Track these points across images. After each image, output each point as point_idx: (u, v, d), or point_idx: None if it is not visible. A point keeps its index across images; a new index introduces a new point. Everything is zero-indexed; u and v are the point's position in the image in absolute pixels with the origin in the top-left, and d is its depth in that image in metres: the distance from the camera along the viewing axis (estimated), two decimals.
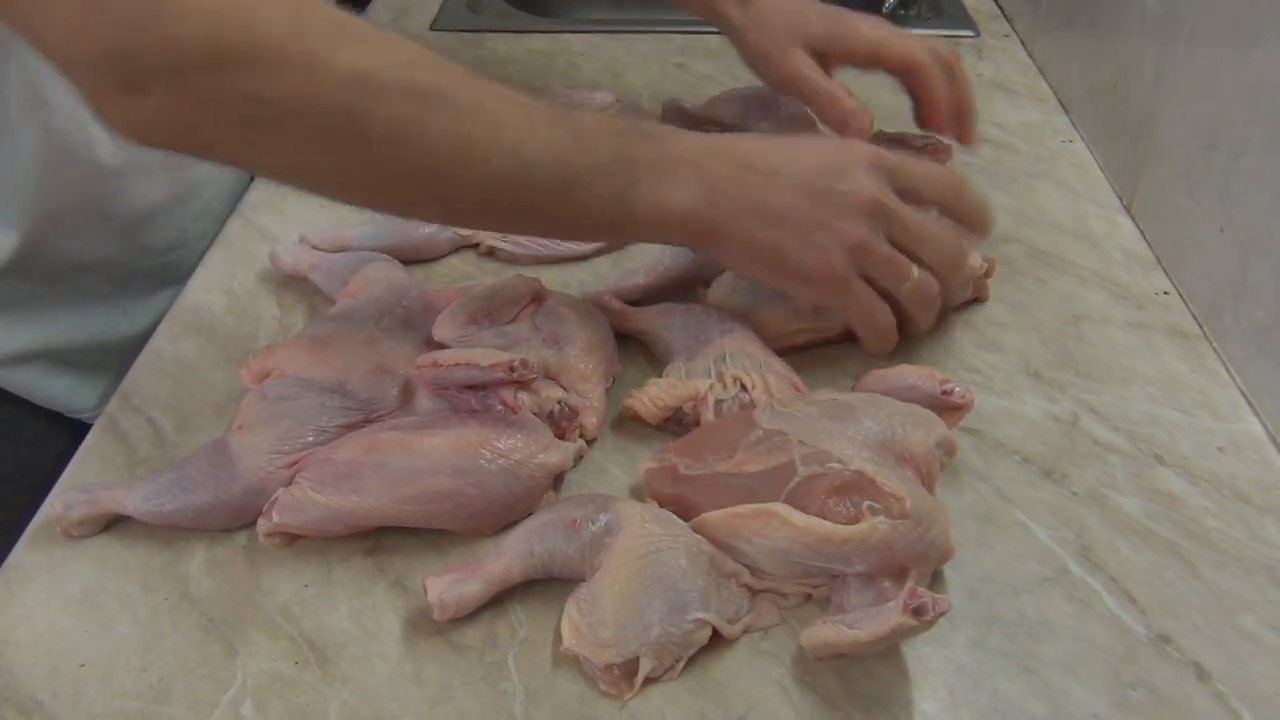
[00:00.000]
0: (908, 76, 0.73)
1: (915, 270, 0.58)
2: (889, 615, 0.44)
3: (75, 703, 0.46)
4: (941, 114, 0.72)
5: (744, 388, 0.57)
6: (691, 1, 0.77)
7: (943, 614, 0.43)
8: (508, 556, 0.49)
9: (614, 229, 0.59)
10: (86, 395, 0.76)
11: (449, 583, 0.48)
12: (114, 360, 0.71)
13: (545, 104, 0.53)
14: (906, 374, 0.57)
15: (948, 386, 0.55)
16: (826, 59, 0.73)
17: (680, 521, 0.51)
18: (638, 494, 0.55)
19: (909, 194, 0.58)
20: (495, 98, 0.52)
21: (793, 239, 0.56)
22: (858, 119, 0.71)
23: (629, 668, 0.46)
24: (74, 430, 0.74)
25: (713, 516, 0.50)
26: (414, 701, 0.46)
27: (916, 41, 0.71)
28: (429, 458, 0.52)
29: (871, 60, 0.72)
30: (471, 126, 0.50)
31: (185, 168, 0.79)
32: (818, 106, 0.73)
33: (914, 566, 0.47)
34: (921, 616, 0.43)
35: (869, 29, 0.72)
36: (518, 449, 0.53)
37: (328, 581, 0.52)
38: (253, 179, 0.83)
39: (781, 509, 0.48)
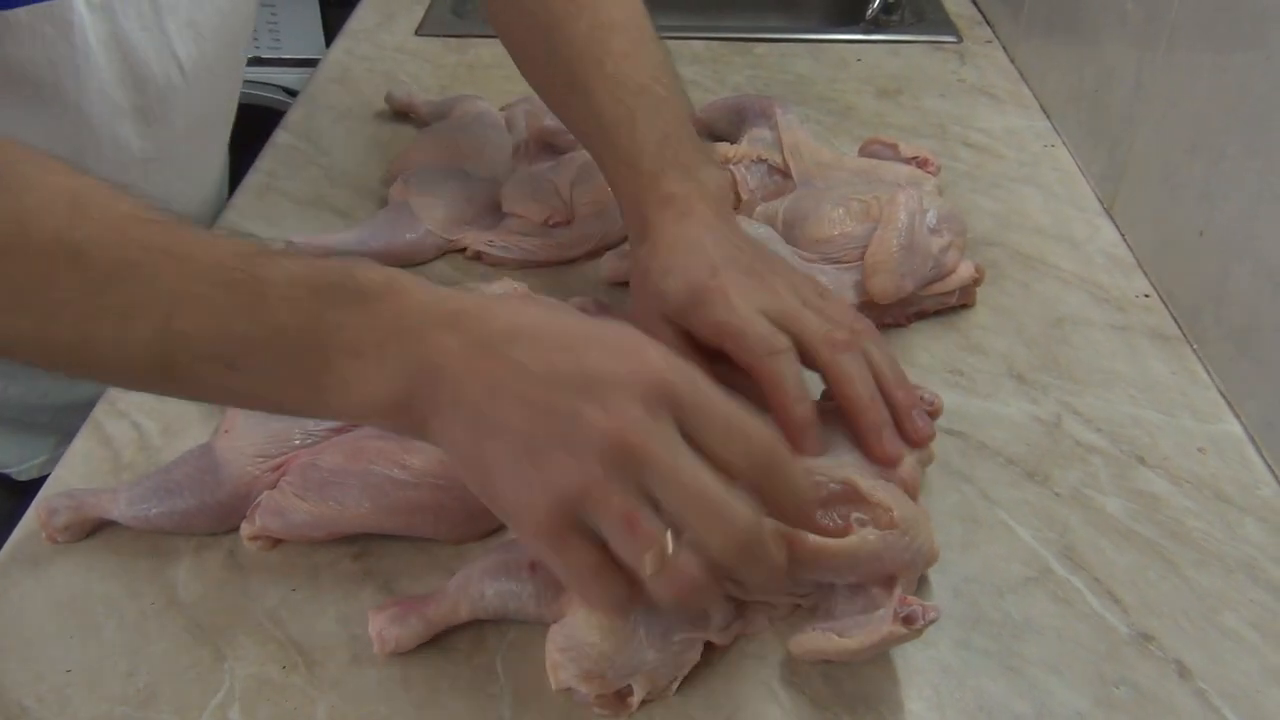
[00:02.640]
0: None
1: (669, 542, 0.39)
2: (879, 624, 0.44)
3: (61, 709, 0.46)
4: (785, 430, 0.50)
5: None
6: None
7: (932, 622, 0.44)
8: (455, 597, 0.48)
9: (306, 411, 0.47)
10: (32, 454, 0.74)
11: (389, 618, 0.48)
12: (63, 421, 0.67)
13: (236, 257, 0.42)
14: None
15: (918, 392, 0.56)
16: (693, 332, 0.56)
17: None
18: None
19: (699, 446, 0.40)
20: (158, 252, 0.42)
21: (504, 462, 0.41)
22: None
23: (623, 693, 0.46)
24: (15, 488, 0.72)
25: None
26: (402, 705, 0.46)
27: (761, 338, 0.51)
28: (411, 469, 0.52)
29: (717, 343, 0.53)
30: (105, 288, 0.41)
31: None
32: None
33: (902, 574, 0.47)
34: (912, 625, 0.43)
35: (718, 313, 0.52)
36: None
37: (315, 585, 0.52)
38: (230, 194, 0.82)
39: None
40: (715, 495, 0.39)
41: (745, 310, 0.52)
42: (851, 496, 0.48)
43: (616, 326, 0.43)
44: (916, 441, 0.52)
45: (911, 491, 0.50)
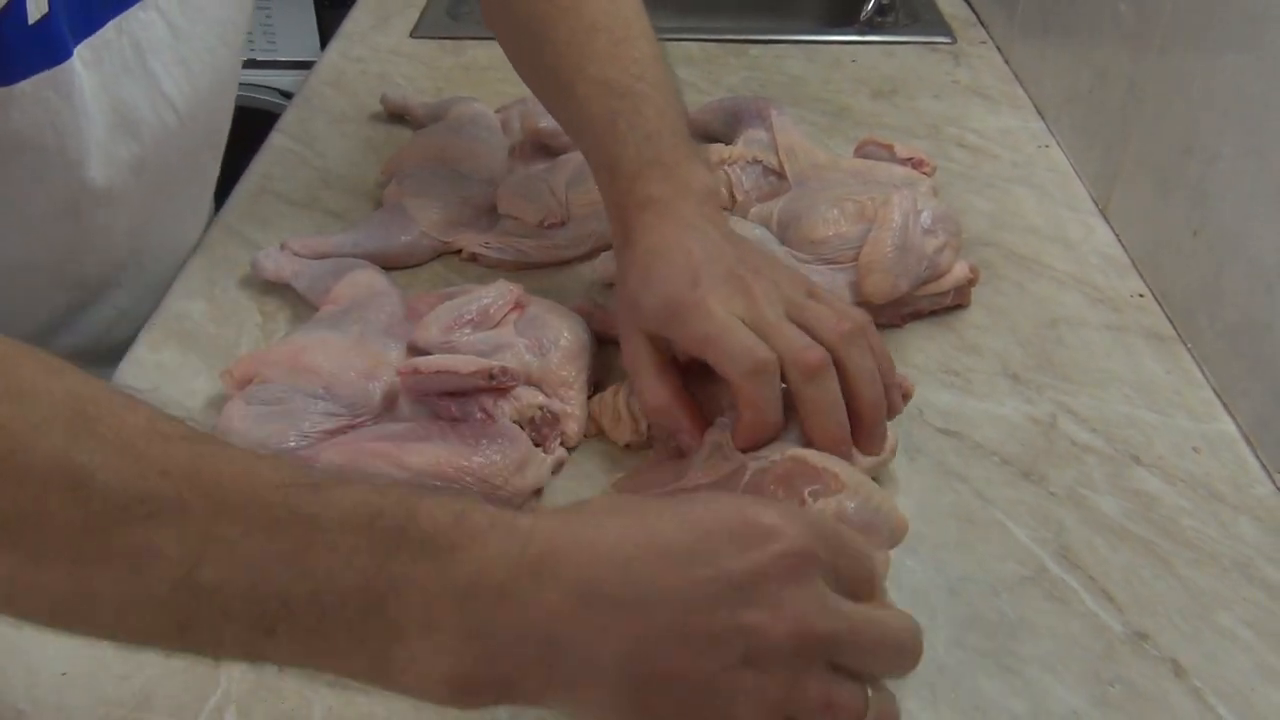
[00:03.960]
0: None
1: (868, 699, 0.37)
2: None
3: (57, 711, 0.46)
4: (815, 432, 0.50)
5: None
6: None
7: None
8: None
9: (371, 685, 0.36)
10: None
11: None
12: None
13: (277, 490, 0.35)
14: None
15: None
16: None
17: None
18: None
19: (848, 594, 0.38)
20: (179, 479, 0.34)
21: (686, 713, 0.35)
22: (677, 439, 0.54)
23: None
24: None
25: None
26: (399, 705, 0.46)
27: (744, 353, 0.50)
28: (411, 470, 0.52)
29: (699, 356, 0.52)
30: (113, 528, 0.34)
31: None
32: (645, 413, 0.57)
33: (870, 539, 0.47)
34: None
35: (695, 326, 0.51)
36: (496, 472, 0.53)
37: None
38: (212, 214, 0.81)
39: None
40: (893, 630, 0.38)
41: (725, 323, 0.50)
42: (801, 470, 0.48)
43: (713, 501, 0.39)
44: (868, 451, 0.52)
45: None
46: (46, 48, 0.55)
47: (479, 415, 0.55)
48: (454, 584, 0.34)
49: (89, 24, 0.57)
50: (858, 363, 0.51)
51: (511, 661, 0.35)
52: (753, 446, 0.50)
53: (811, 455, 0.48)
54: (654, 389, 0.54)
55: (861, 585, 0.39)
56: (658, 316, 0.53)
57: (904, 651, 0.39)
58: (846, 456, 0.50)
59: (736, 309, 0.51)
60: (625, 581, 0.35)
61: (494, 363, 0.56)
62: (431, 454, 0.53)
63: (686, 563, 0.35)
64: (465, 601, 0.34)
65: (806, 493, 0.47)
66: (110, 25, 0.58)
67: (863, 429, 0.51)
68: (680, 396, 0.54)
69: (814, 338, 0.50)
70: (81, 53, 0.57)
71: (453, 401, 0.56)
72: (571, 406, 0.59)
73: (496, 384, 0.55)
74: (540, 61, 0.63)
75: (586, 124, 0.60)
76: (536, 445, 0.56)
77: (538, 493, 0.56)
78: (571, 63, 0.61)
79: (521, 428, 0.56)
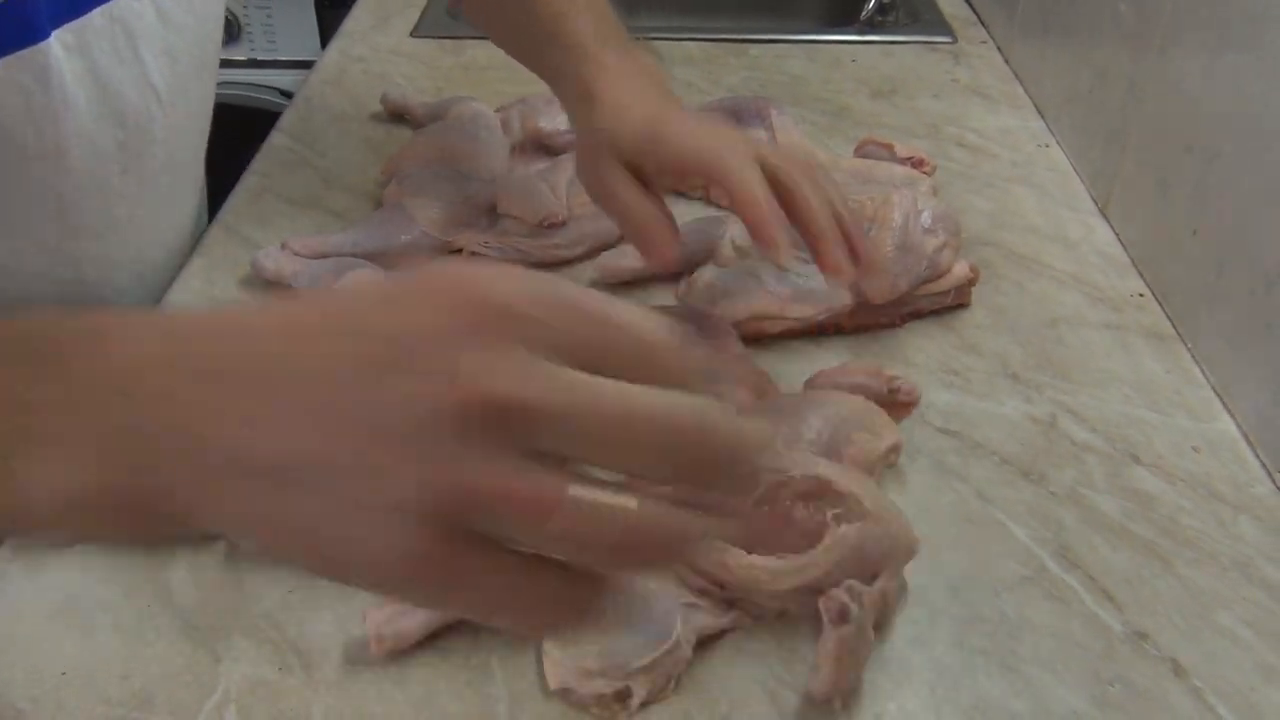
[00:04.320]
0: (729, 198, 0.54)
1: (582, 495, 0.27)
2: (827, 635, 0.44)
3: (57, 710, 0.46)
4: (812, 238, 0.54)
5: None
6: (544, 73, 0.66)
7: (862, 603, 0.44)
8: None
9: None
10: None
11: (388, 616, 0.47)
12: None
13: None
14: (855, 373, 0.58)
15: (894, 384, 0.57)
16: (646, 173, 0.57)
17: None
18: None
19: (583, 363, 0.28)
20: None
21: (326, 512, 0.28)
22: (661, 251, 0.55)
23: (621, 693, 0.46)
24: None
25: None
26: (398, 705, 0.46)
27: (736, 152, 0.53)
28: None
29: (681, 176, 0.58)
30: None
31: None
32: (626, 232, 0.60)
33: (884, 567, 0.48)
34: (845, 618, 0.43)
35: (680, 138, 0.54)
36: None
37: (311, 586, 0.51)
38: (212, 219, 0.81)
39: (760, 562, 0.48)
40: (658, 409, 0.28)
41: (707, 134, 0.54)
42: (823, 490, 0.48)
43: (373, 286, 0.33)
44: (861, 258, 0.55)
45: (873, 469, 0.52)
46: (18, 27, 0.54)
47: None
48: (76, 390, 0.30)
49: (71, 8, 0.57)
50: (830, 188, 0.56)
51: (119, 469, 0.30)
52: (769, 245, 0.51)
53: (835, 477, 0.48)
54: (641, 200, 0.55)
55: (611, 357, 0.28)
56: (637, 141, 0.55)
57: (683, 442, 0.28)
58: (840, 248, 0.53)
59: (715, 129, 0.56)
60: (264, 358, 0.29)
61: None
62: None
63: (331, 332, 0.29)
64: (88, 406, 0.30)
65: (830, 515, 0.47)
66: (98, 12, 0.58)
67: (851, 236, 0.55)
68: (664, 208, 0.56)
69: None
70: (62, 36, 0.57)
71: None
72: None
73: None
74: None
75: (539, 20, 0.63)
76: None
77: None
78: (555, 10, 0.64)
79: None
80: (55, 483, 0.30)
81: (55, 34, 0.56)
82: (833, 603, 0.43)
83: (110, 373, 0.30)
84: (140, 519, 0.31)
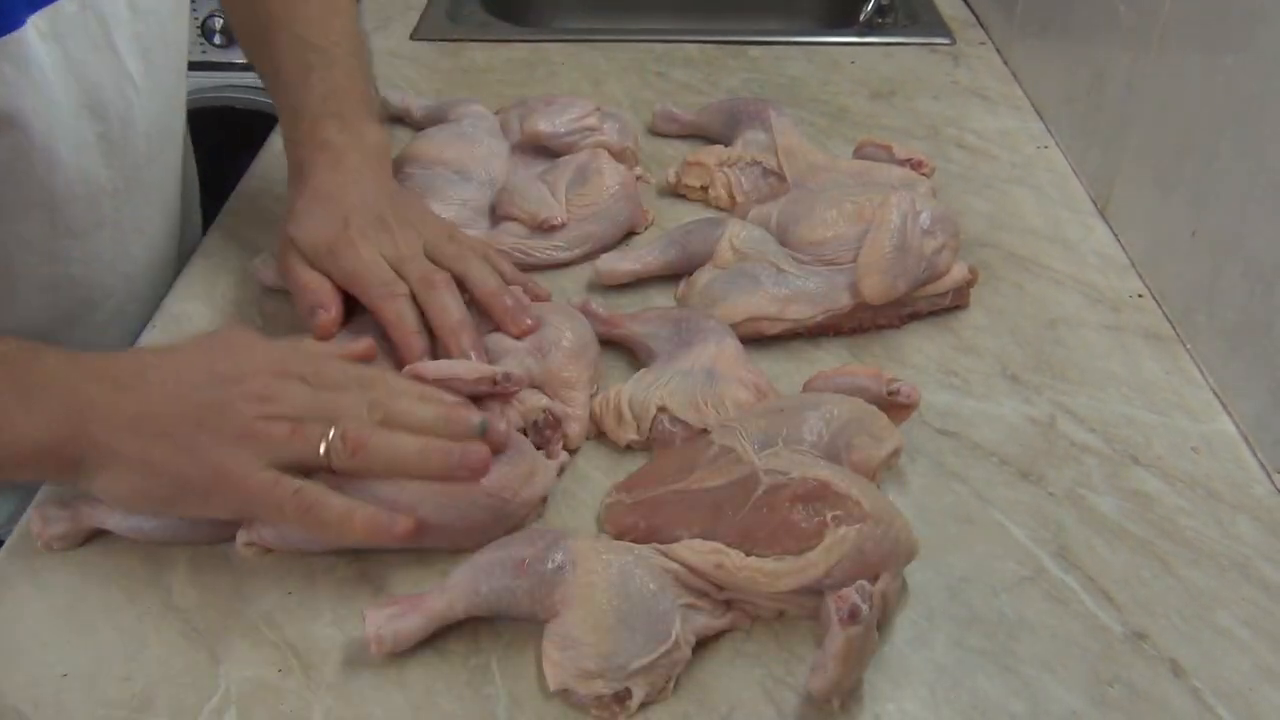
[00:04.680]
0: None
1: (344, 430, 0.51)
2: (835, 635, 0.44)
3: (58, 712, 0.46)
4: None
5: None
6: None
7: (871, 604, 0.44)
8: (452, 593, 0.48)
9: None
10: None
11: (388, 617, 0.48)
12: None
13: None
14: (854, 375, 0.58)
15: (894, 386, 0.56)
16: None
17: (637, 546, 0.50)
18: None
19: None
20: None
21: (179, 448, 0.49)
22: (320, 320, 0.60)
23: (620, 695, 0.46)
24: None
25: (696, 560, 0.49)
26: (398, 706, 0.46)
27: (382, 284, 0.60)
28: (410, 491, 0.51)
29: (348, 288, 0.62)
30: None
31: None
32: (298, 302, 0.63)
33: (885, 569, 0.48)
34: (857, 618, 0.43)
35: (346, 262, 0.61)
36: (506, 485, 0.52)
37: (311, 589, 0.52)
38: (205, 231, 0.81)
39: (759, 564, 0.48)
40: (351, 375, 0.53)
41: (370, 259, 0.61)
42: (822, 492, 0.48)
43: (208, 345, 0.54)
44: (514, 332, 0.61)
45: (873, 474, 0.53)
46: None
47: None
48: (25, 380, 0.50)
49: None
50: (476, 272, 0.62)
51: (59, 432, 0.49)
52: (407, 361, 0.58)
53: (834, 478, 0.48)
54: (307, 273, 0.62)
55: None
56: (315, 252, 0.62)
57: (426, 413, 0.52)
58: (463, 351, 0.58)
59: (382, 248, 0.61)
60: (145, 375, 0.51)
61: (497, 369, 0.56)
62: None
63: (195, 362, 0.52)
64: (31, 389, 0.50)
65: (830, 517, 0.47)
66: None
67: (495, 313, 0.61)
68: (328, 281, 0.62)
69: (441, 266, 0.62)
70: (37, 23, 0.57)
71: None
72: (574, 408, 0.59)
73: (500, 390, 0.55)
74: (252, 13, 0.72)
75: (280, 74, 0.69)
76: (539, 448, 0.56)
77: (542, 500, 0.56)
78: (281, 21, 0.70)
79: (525, 433, 0.56)
80: (11, 435, 0.49)
81: (30, 20, 0.56)
82: (845, 603, 0.43)
83: (46, 373, 0.51)
84: (66, 474, 0.50)
